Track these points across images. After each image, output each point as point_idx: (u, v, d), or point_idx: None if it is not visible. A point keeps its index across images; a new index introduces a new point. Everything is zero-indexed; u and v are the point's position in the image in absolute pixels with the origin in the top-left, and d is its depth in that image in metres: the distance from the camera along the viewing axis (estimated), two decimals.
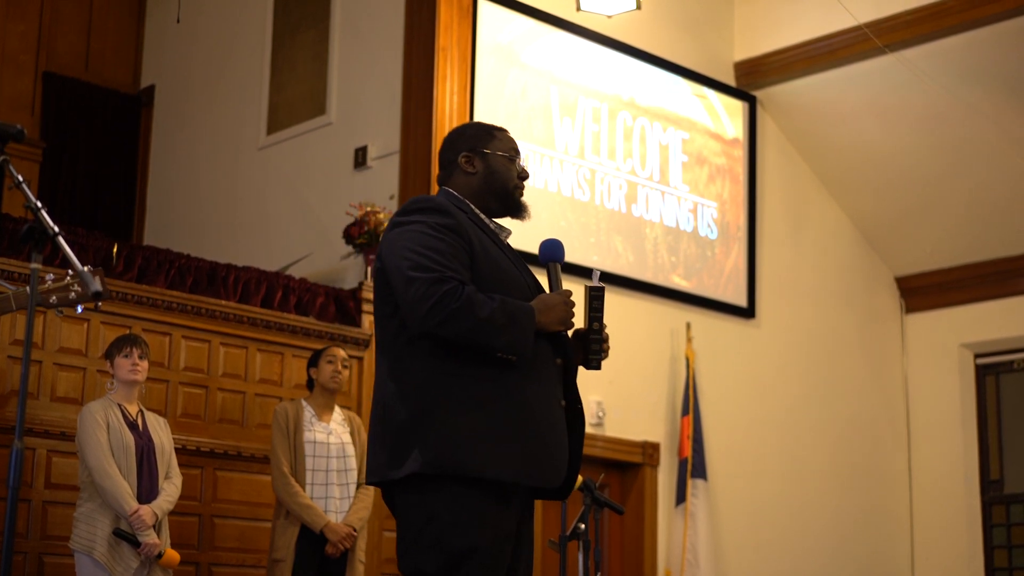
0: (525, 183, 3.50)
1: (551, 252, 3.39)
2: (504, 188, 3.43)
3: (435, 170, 7.43)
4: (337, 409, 5.99)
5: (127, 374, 5.35)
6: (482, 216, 3.41)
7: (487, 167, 3.43)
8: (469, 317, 3.12)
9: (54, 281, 3.85)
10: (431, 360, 3.20)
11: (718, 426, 8.70)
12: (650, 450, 8.32)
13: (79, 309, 3.76)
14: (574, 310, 3.33)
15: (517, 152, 3.49)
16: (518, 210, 3.47)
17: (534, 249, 3.53)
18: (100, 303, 3.54)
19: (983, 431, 9.76)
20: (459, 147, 3.47)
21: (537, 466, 3.22)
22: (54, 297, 3.82)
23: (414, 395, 3.20)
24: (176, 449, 5.58)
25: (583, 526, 5.38)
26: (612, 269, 8.23)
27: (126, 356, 5.35)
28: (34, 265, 3.21)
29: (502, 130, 3.53)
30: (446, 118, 7.51)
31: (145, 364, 5.41)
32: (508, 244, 3.45)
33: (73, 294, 3.76)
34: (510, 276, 3.32)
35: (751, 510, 8.87)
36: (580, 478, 5.07)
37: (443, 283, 3.13)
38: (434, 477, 3.15)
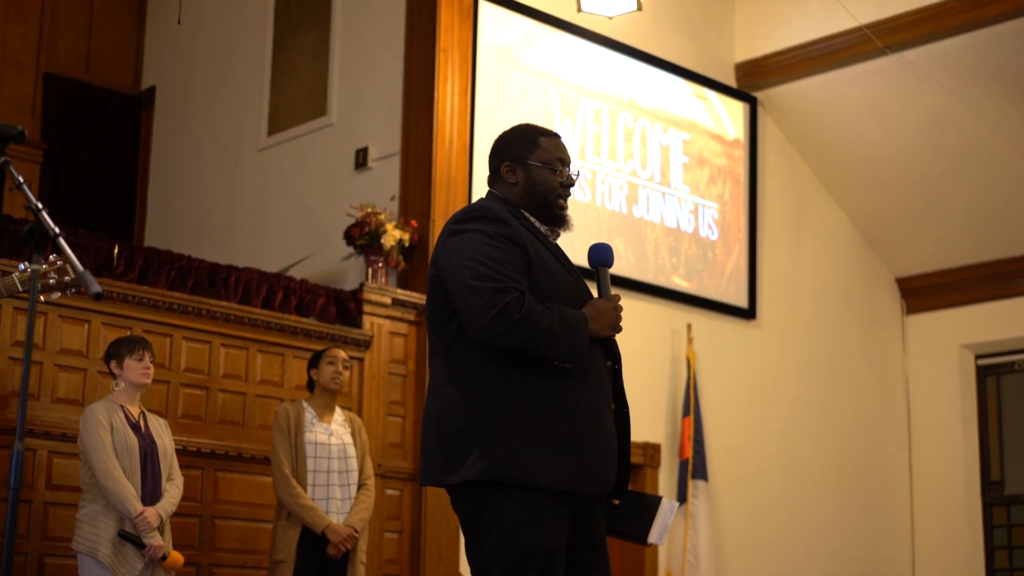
0: (569, 192, 3.50)
1: (600, 256, 3.45)
2: (544, 200, 3.47)
3: (436, 171, 7.53)
4: (338, 410, 5.99)
5: (139, 376, 5.33)
6: (533, 220, 3.46)
7: (528, 178, 3.47)
8: (530, 327, 3.18)
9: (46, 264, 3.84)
10: (488, 368, 3.27)
11: (719, 427, 8.70)
12: (651, 451, 8.32)
13: (54, 295, 3.75)
14: (622, 314, 3.39)
15: (562, 161, 3.48)
16: (557, 222, 3.50)
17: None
18: (73, 291, 3.56)
19: (984, 432, 9.76)
20: (503, 155, 3.52)
21: (588, 475, 3.28)
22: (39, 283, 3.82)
23: (471, 402, 3.26)
24: (177, 450, 5.58)
25: None
26: (613, 270, 8.21)
27: (138, 359, 5.33)
28: (35, 266, 3.21)
29: (549, 135, 3.53)
30: (447, 119, 7.51)
31: (152, 366, 5.42)
32: (557, 246, 3.50)
33: (52, 280, 3.75)
34: (564, 283, 3.38)
35: (752, 511, 8.87)
36: None
37: (505, 293, 3.19)
38: (492, 483, 3.21)
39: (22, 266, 3.80)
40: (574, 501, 3.30)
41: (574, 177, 3.50)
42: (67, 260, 3.26)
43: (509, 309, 3.18)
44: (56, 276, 3.75)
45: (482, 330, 3.21)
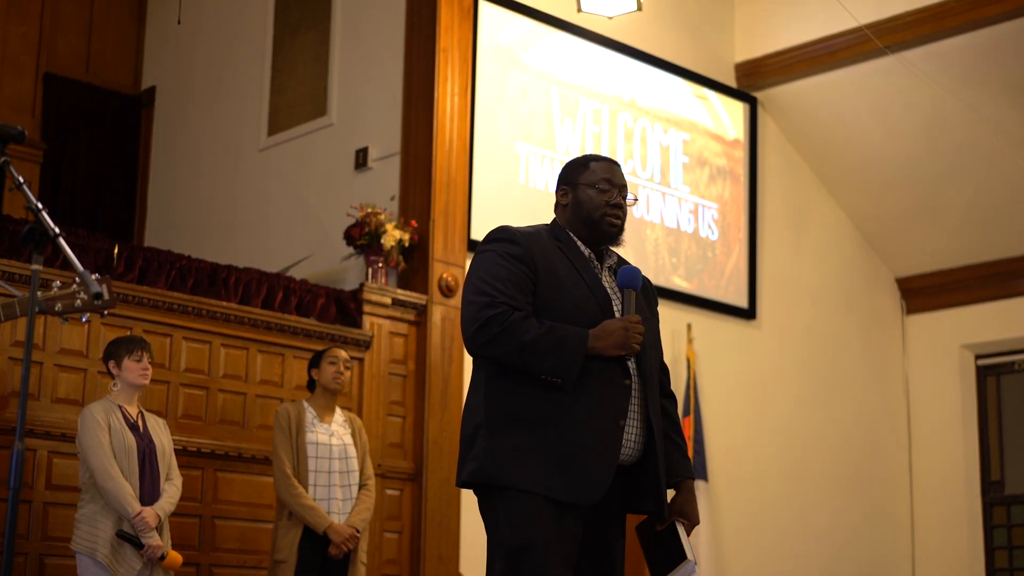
0: (620, 212, 3.62)
1: (626, 280, 3.54)
2: (590, 218, 3.61)
3: (436, 171, 7.53)
4: (338, 410, 5.99)
5: (138, 377, 5.33)
6: (578, 243, 3.61)
7: (576, 198, 3.64)
8: (511, 341, 3.36)
9: (60, 288, 3.83)
10: (492, 379, 3.47)
11: (719, 427, 8.70)
12: None
13: (84, 318, 3.76)
14: (638, 334, 3.44)
15: (610, 183, 3.62)
16: (607, 238, 3.63)
17: None
18: (106, 312, 3.55)
19: (984, 432, 9.76)
20: (559, 180, 3.71)
21: (571, 484, 3.37)
22: (59, 304, 3.81)
23: (475, 410, 3.48)
24: (177, 450, 5.58)
25: None
26: None
27: (137, 360, 5.32)
28: (35, 266, 3.21)
29: (601, 160, 3.68)
30: (447, 119, 7.51)
31: (151, 367, 5.41)
32: (605, 270, 3.62)
33: (79, 301, 3.76)
34: (577, 301, 3.49)
35: (752, 511, 8.87)
36: None
37: (492, 307, 3.40)
38: (490, 485, 3.39)
39: (58, 283, 3.80)
40: (577, 508, 3.39)
41: (627, 201, 3.63)
42: (67, 260, 3.26)
43: (491, 323, 3.37)
44: (78, 297, 3.75)
45: (468, 343, 3.45)
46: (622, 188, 3.63)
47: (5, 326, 5.85)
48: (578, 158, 3.74)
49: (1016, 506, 9.57)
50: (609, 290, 3.57)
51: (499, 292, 3.41)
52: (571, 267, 3.53)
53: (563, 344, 3.37)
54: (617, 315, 3.51)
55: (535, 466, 3.35)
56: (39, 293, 3.76)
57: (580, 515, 3.41)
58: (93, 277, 3.33)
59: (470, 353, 3.49)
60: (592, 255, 3.62)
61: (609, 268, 3.64)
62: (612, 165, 3.67)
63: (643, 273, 3.61)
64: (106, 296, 3.29)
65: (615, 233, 3.62)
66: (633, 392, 3.47)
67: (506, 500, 3.36)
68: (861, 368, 9.83)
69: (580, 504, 3.38)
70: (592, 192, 3.60)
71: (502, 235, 3.54)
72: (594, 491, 3.39)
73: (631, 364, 3.48)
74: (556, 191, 3.71)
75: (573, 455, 3.36)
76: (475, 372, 3.54)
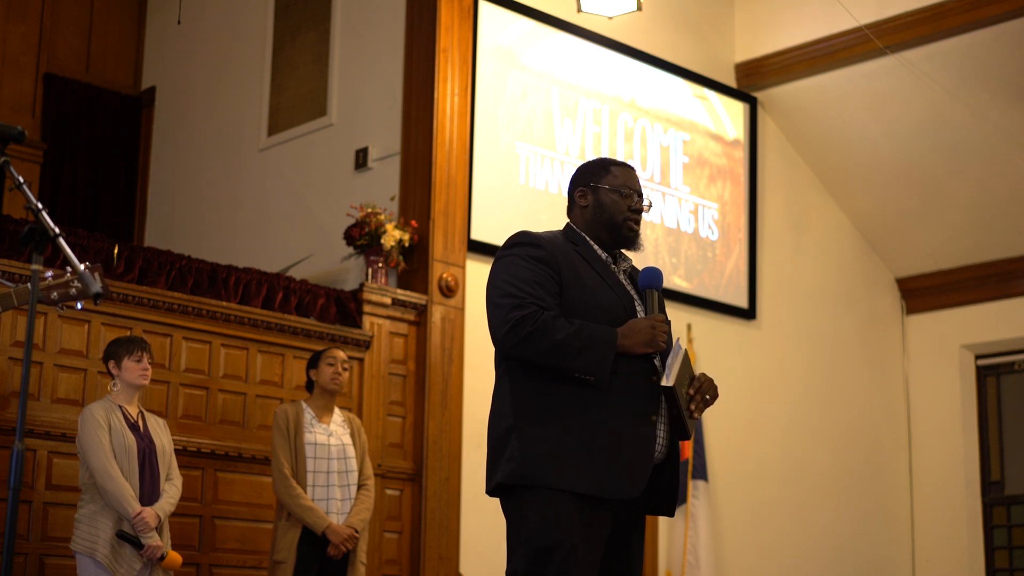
0: (640, 217, 3.70)
1: (649, 280, 3.62)
2: (612, 221, 3.67)
3: (436, 171, 7.52)
4: (337, 411, 5.99)
5: (137, 378, 5.32)
6: (595, 247, 3.65)
7: (597, 201, 3.67)
8: (544, 340, 3.38)
9: (54, 278, 3.84)
10: (521, 381, 3.48)
11: (719, 427, 8.70)
12: None
13: (79, 306, 3.75)
14: (664, 332, 3.52)
15: (632, 189, 3.69)
16: (626, 242, 3.71)
17: None
18: (100, 301, 3.55)
19: (984, 432, 9.75)
20: (578, 182, 3.73)
21: (607, 479, 3.39)
22: (55, 293, 3.81)
23: (505, 412, 3.48)
24: (177, 450, 5.58)
25: None
26: None
27: (137, 360, 5.32)
28: (35, 266, 3.21)
29: (622, 166, 3.73)
30: (447, 119, 7.51)
31: (151, 367, 5.41)
32: (621, 272, 3.68)
33: (74, 290, 3.76)
34: (602, 302, 3.53)
35: (752, 511, 8.87)
36: None
37: (522, 308, 3.41)
38: (521, 486, 3.39)
39: (49, 274, 3.79)
40: (604, 505, 3.41)
41: (645, 206, 3.69)
42: (67, 260, 3.26)
43: (523, 323, 3.39)
44: (72, 286, 3.75)
45: (500, 343, 3.46)
46: (640, 194, 3.69)
47: (5, 326, 5.85)
48: (596, 161, 3.76)
49: (1016, 506, 9.57)
50: (630, 291, 3.62)
51: (527, 294, 3.43)
52: (592, 270, 3.57)
53: (594, 342, 3.39)
54: (640, 315, 3.56)
55: (573, 464, 3.36)
56: (13, 291, 3.76)
57: (609, 517, 3.43)
58: (84, 266, 3.33)
59: (502, 354, 3.49)
60: (608, 258, 3.66)
61: (624, 271, 3.68)
62: (632, 171, 3.73)
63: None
64: (100, 290, 3.30)
65: (634, 237, 3.68)
66: (660, 389, 3.51)
67: (537, 500, 3.36)
68: (861, 368, 9.83)
69: (621, 498, 3.41)
70: (616, 196, 3.65)
71: (524, 239, 3.57)
72: (634, 486, 3.42)
73: (656, 362, 3.54)
74: (573, 192, 3.71)
75: (610, 451, 3.39)
76: (499, 378, 3.55)
